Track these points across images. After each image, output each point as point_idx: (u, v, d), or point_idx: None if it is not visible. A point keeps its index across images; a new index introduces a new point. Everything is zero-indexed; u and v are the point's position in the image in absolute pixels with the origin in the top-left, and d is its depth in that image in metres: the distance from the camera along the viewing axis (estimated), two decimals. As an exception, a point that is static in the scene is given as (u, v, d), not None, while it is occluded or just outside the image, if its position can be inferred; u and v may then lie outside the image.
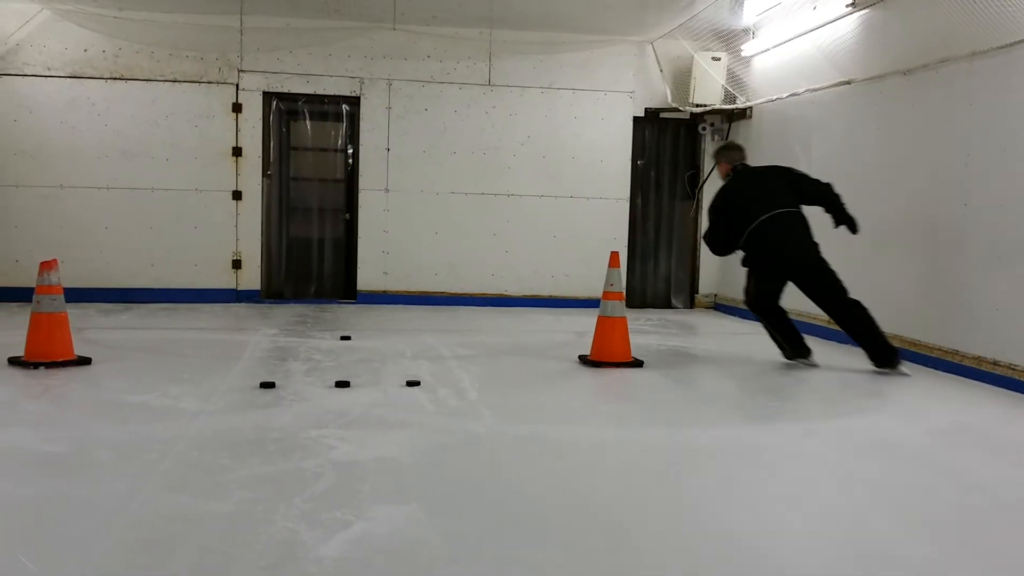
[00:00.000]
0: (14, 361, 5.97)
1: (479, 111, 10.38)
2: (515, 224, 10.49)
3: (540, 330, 8.75)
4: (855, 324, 6.53)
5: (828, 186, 6.81)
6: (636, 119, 10.73)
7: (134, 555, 2.88)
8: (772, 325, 6.91)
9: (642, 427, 4.93)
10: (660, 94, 10.62)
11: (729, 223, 6.89)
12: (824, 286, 6.62)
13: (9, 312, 8.69)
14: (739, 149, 7.30)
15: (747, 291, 7.01)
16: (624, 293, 6.80)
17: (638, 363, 6.63)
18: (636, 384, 6.14)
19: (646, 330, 8.84)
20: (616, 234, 10.64)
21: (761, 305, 6.87)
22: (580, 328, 8.39)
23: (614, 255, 6.75)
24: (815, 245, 6.72)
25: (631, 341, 6.74)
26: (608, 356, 6.59)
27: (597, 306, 6.75)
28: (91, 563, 2.80)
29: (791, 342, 6.86)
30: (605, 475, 4.01)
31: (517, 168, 10.51)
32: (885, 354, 6.46)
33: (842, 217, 6.70)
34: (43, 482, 3.62)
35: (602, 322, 6.66)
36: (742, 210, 6.81)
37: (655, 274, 11.15)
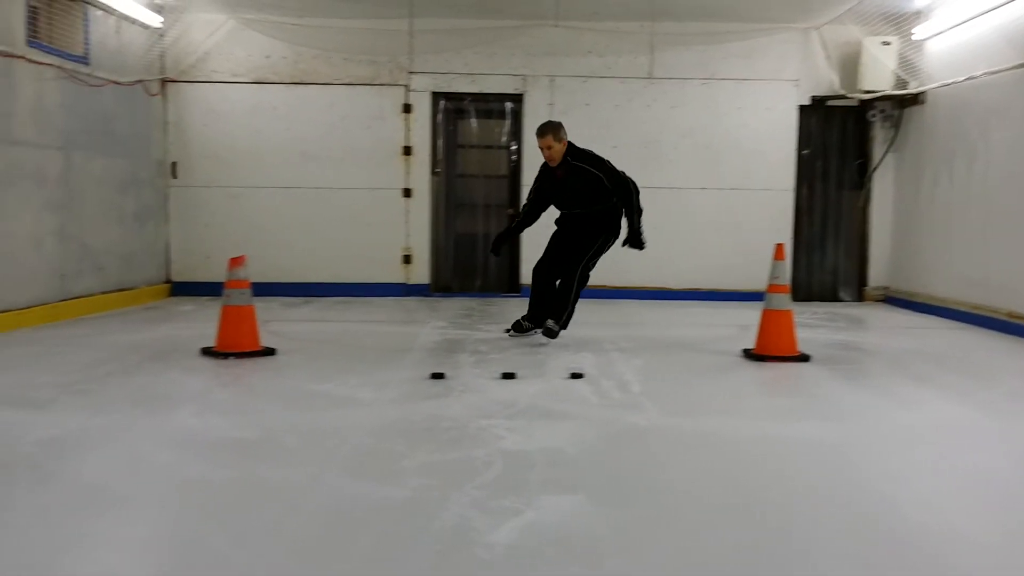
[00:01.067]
0: (206, 352, 6.42)
1: (640, 104, 10.39)
2: (677, 217, 10.45)
3: (703, 323, 8.71)
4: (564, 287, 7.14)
5: None
6: (801, 108, 10.49)
7: (320, 537, 3.08)
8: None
9: (808, 422, 4.85)
10: (826, 82, 10.34)
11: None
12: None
13: (201, 305, 9.34)
14: None
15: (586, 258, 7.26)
16: (789, 286, 6.70)
17: (804, 357, 6.51)
18: (802, 379, 6.04)
19: (812, 324, 8.65)
20: (780, 225, 10.43)
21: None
22: (743, 322, 8.29)
23: (779, 247, 6.66)
24: None
25: (797, 335, 6.64)
26: (773, 350, 6.51)
27: (760, 299, 6.68)
28: (282, 543, 3.01)
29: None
30: (771, 471, 3.98)
31: (678, 161, 10.46)
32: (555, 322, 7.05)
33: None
34: (235, 466, 3.89)
35: (767, 315, 6.58)
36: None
37: (821, 266, 10.87)
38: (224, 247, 9.76)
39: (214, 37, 10.16)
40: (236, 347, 6.35)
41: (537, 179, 7.48)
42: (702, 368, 6.36)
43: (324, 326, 8.23)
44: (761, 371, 6.26)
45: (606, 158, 7.17)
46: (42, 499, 3.40)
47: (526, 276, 10.44)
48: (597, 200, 7.12)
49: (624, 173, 7.12)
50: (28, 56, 7.53)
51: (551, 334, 7.08)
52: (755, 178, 10.46)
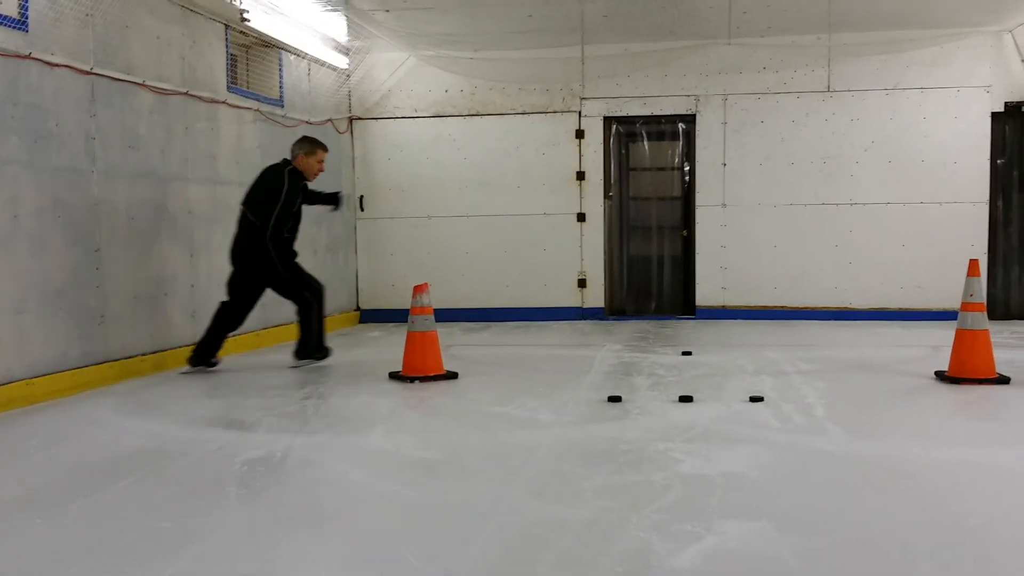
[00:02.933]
0: (394, 376, 6.71)
1: (818, 119, 10.13)
2: (859, 233, 10.11)
3: (889, 344, 8.36)
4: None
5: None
6: (994, 115, 9.95)
7: (503, 556, 3.17)
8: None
9: (1010, 448, 4.60)
10: (1021, 86, 9.77)
11: None
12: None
13: (387, 331, 9.75)
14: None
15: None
16: (985, 304, 6.37)
17: (1004, 379, 6.17)
18: (1002, 402, 5.73)
19: (1012, 344, 8.16)
20: (974, 240, 9.91)
21: None
22: (935, 342, 7.92)
23: (973, 263, 6.35)
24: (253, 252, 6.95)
25: (995, 356, 6.29)
26: (969, 372, 6.20)
27: (953, 318, 6.39)
28: (467, 561, 3.10)
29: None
30: (970, 499, 3.79)
31: (860, 175, 10.12)
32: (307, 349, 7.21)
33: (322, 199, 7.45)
34: (423, 484, 4.06)
35: (961, 335, 6.27)
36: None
37: (1020, 282, 10.22)
38: (408, 275, 10.19)
39: (396, 75, 10.64)
40: (421, 371, 6.60)
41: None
42: (891, 391, 6.13)
43: (503, 350, 8.43)
44: (955, 394, 5.96)
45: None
46: (251, 515, 3.67)
47: (700, 298, 10.39)
48: None
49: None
50: (229, 101, 8.13)
51: None
52: (945, 191, 9.99)
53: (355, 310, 10.81)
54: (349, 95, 10.53)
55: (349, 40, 9.95)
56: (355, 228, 10.86)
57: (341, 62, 10.12)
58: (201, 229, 7.77)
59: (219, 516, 3.63)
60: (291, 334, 8.94)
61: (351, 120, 10.70)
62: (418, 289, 6.73)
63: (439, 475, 4.22)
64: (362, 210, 10.85)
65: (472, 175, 10.66)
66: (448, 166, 10.69)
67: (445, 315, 10.11)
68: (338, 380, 6.77)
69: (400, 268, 10.66)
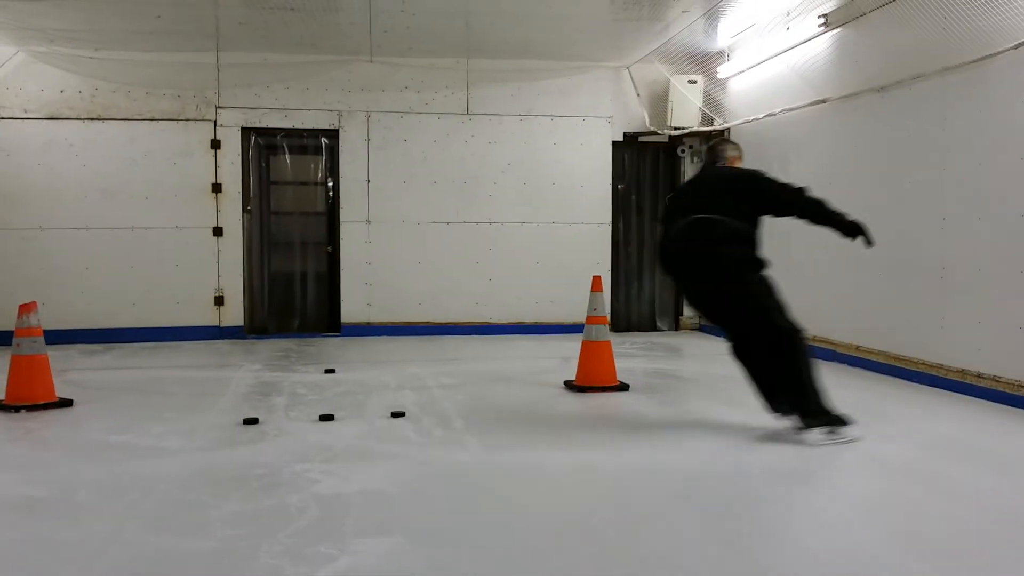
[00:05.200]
0: (-6, 405, 5.92)
1: (458, 140, 10.40)
2: (498, 251, 10.49)
3: (525, 356, 8.72)
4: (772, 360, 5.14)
5: (798, 191, 5.15)
6: (615, 143, 10.77)
7: (115, 598, 2.85)
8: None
9: (626, 451, 4.89)
10: (638, 118, 10.68)
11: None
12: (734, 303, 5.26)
13: (-11, 356, 8.61)
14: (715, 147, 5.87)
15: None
16: (608, 317, 6.79)
17: (624, 387, 6.61)
18: (621, 407, 6.12)
19: (632, 353, 8.83)
20: (599, 258, 10.65)
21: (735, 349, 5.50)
22: (565, 353, 8.37)
23: (596, 279, 6.75)
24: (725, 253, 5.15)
25: (616, 365, 6.73)
26: (594, 380, 6.57)
27: (582, 331, 6.73)
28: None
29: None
30: (594, 499, 3.99)
31: (498, 196, 10.52)
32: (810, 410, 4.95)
33: (835, 224, 5.08)
34: (25, 526, 3.58)
35: (587, 347, 6.64)
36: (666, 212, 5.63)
37: (639, 297, 11.14)
38: (16, 292, 9.06)
39: (1, 71, 9.48)
40: (28, 399, 5.93)
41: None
42: (524, 401, 6.34)
43: (128, 373, 7.73)
44: (582, 401, 6.29)
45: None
46: None
47: (346, 315, 10.24)
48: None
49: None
50: None
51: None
52: (574, 212, 10.65)
53: (-50, 333, 9.43)
54: (-55, 91, 9.22)
55: (-58, 27, 8.71)
56: (-49, 240, 9.51)
57: (-66, 52, 8.84)
58: None
59: None
60: None
61: (-54, 118, 9.39)
62: (24, 308, 6.02)
63: (45, 514, 3.74)
64: (-40, 220, 9.52)
65: (93, 183, 9.71)
66: (64, 173, 9.65)
67: (61, 336, 9.14)
68: (-78, 413, 5.84)
69: (6, 285, 9.42)
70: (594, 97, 10.65)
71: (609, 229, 10.79)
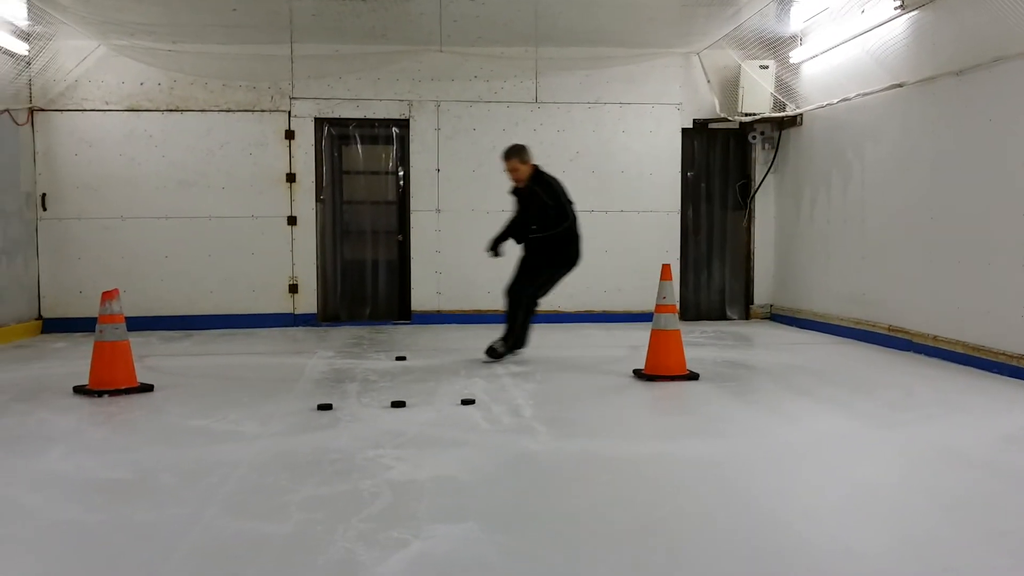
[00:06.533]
0: (79, 390, 6.11)
1: (527, 128, 10.41)
2: (566, 240, 10.47)
3: (594, 345, 8.72)
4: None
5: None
6: (684, 130, 10.69)
7: (200, 577, 2.93)
8: (526, 316, 7.75)
9: (699, 440, 4.87)
10: (708, 105, 10.57)
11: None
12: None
13: (74, 342, 8.90)
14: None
15: (528, 284, 7.68)
16: (677, 305, 6.75)
17: (693, 376, 6.57)
18: (691, 397, 6.08)
19: (701, 342, 8.77)
20: (668, 246, 10.59)
21: (533, 297, 7.76)
22: (634, 342, 8.34)
23: (665, 268, 6.71)
24: None
25: (686, 354, 6.69)
26: (663, 369, 6.55)
27: (651, 320, 6.71)
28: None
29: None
30: (663, 491, 3.97)
31: (566, 184, 10.47)
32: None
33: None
34: (108, 508, 3.68)
35: (655, 335, 6.61)
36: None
37: (709, 286, 11.05)
38: (99, 281, 9.41)
39: (84, 64, 9.76)
40: (110, 384, 6.07)
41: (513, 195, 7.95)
42: (593, 390, 6.34)
43: (205, 360, 7.92)
44: (650, 390, 6.27)
45: (563, 190, 7.67)
46: None
47: (416, 303, 10.36)
48: (547, 224, 7.49)
49: (571, 208, 7.61)
50: None
51: (492, 353, 7.50)
52: (642, 200, 10.59)
53: (36, 319, 9.76)
54: (30, 84, 9.52)
55: (30, 25, 8.98)
56: (36, 229, 9.83)
57: (20, 48, 9.12)
58: None
59: None
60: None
61: (31, 111, 9.69)
62: (107, 295, 6.17)
63: (126, 497, 3.84)
64: (44, 209, 9.84)
65: (172, 174, 9.98)
66: (144, 164, 9.94)
67: (141, 323, 9.44)
68: (13, 396, 6.05)
69: (90, 273, 9.78)
70: (663, 84, 10.57)
71: (678, 217, 10.71)
